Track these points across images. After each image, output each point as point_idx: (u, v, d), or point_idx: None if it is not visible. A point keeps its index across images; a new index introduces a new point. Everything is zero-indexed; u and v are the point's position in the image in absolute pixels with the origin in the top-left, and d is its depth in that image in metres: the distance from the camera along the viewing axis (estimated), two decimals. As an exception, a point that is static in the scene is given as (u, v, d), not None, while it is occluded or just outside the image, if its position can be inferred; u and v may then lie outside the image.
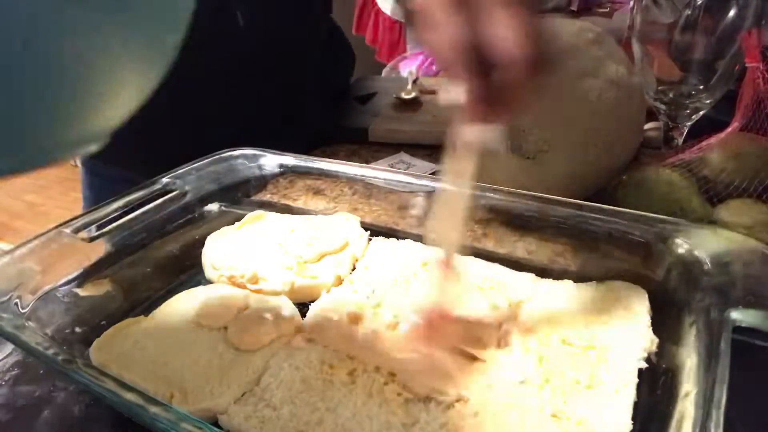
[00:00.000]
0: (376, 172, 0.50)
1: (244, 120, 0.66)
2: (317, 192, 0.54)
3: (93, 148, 0.24)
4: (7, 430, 0.34)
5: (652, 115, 0.64)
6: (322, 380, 0.33)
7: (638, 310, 0.36)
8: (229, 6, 0.60)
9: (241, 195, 0.54)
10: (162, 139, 0.65)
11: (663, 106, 0.54)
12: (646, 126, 0.64)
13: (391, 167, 0.68)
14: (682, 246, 0.37)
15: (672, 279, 0.37)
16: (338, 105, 0.84)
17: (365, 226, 0.49)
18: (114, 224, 0.44)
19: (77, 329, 0.39)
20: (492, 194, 0.45)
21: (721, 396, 0.26)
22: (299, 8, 0.67)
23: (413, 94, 0.82)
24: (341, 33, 0.86)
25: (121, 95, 0.22)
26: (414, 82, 0.85)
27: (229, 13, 0.60)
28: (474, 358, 0.33)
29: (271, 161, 0.54)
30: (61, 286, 0.39)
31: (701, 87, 0.51)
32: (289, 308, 0.40)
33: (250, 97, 0.67)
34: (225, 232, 0.49)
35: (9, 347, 0.39)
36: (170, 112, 0.64)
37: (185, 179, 0.50)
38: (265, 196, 0.55)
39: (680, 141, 0.54)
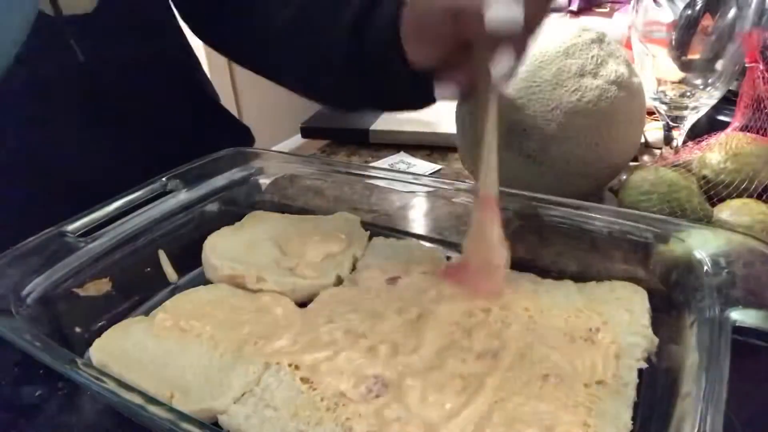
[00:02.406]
0: (376, 172, 0.50)
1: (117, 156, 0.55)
2: (317, 192, 0.54)
3: None
4: (7, 430, 0.34)
5: (652, 115, 0.64)
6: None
7: (638, 310, 0.36)
8: (64, 38, 0.52)
9: (241, 195, 0.54)
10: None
11: (663, 106, 0.54)
12: (646, 126, 0.64)
13: (391, 167, 0.68)
14: (682, 246, 0.37)
15: (672, 279, 0.37)
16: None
17: (365, 226, 0.49)
18: (114, 224, 0.44)
19: (77, 329, 0.39)
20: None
21: (721, 396, 0.26)
22: (145, 34, 0.59)
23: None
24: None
25: None
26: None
27: (65, 45, 0.52)
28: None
29: (271, 161, 0.54)
30: (61, 286, 0.39)
31: (701, 87, 0.51)
32: (289, 308, 0.40)
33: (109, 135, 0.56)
34: (225, 232, 0.49)
35: (9, 347, 0.39)
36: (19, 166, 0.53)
37: (185, 179, 0.50)
38: (265, 196, 0.55)
39: (680, 141, 0.54)
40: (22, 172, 0.54)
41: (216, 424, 0.31)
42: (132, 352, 0.36)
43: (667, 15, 0.50)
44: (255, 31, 0.52)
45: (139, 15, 0.57)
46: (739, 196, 0.45)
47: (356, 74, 0.46)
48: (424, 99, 0.43)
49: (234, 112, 0.76)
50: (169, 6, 0.61)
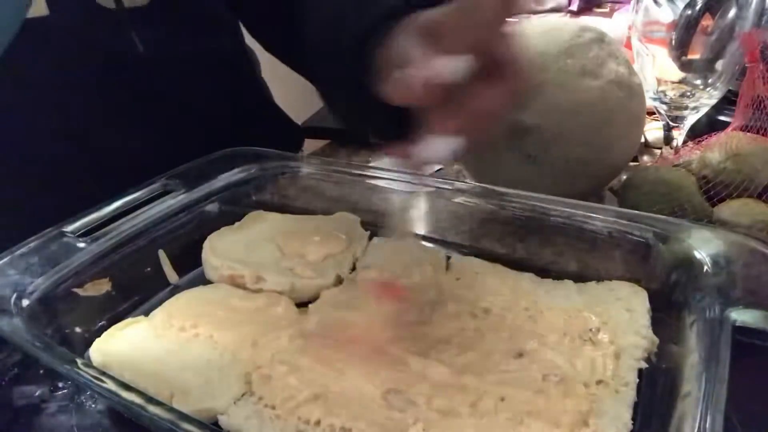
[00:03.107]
0: (376, 172, 0.50)
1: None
2: (317, 192, 0.54)
3: None
4: (7, 430, 0.34)
5: (652, 115, 0.64)
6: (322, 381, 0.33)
7: (638, 310, 0.36)
8: (123, 31, 0.53)
9: (241, 195, 0.54)
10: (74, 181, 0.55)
11: (663, 106, 0.54)
12: (646, 126, 0.64)
13: (391, 167, 0.68)
14: (682, 246, 0.37)
15: (672, 279, 0.37)
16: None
17: (365, 226, 0.49)
18: (114, 224, 0.44)
19: (77, 329, 0.39)
20: (492, 194, 0.45)
21: (721, 396, 0.26)
22: (204, 28, 0.59)
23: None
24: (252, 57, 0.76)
25: None
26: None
27: (126, 38, 0.53)
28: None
29: (271, 161, 0.54)
30: (61, 286, 0.39)
31: (701, 87, 0.51)
32: (289, 308, 0.40)
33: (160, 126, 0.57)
34: (225, 232, 0.49)
35: (9, 347, 0.39)
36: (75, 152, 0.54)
37: (185, 179, 0.50)
38: (265, 196, 0.55)
39: (680, 141, 0.54)
40: (70, 157, 0.55)
41: (216, 424, 0.31)
42: (132, 352, 0.36)
43: (667, 15, 0.50)
44: (293, 38, 0.53)
45: (196, 10, 0.58)
46: (739, 196, 0.45)
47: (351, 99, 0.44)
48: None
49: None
50: (228, 3, 0.62)
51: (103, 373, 0.31)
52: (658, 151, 0.63)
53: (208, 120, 0.60)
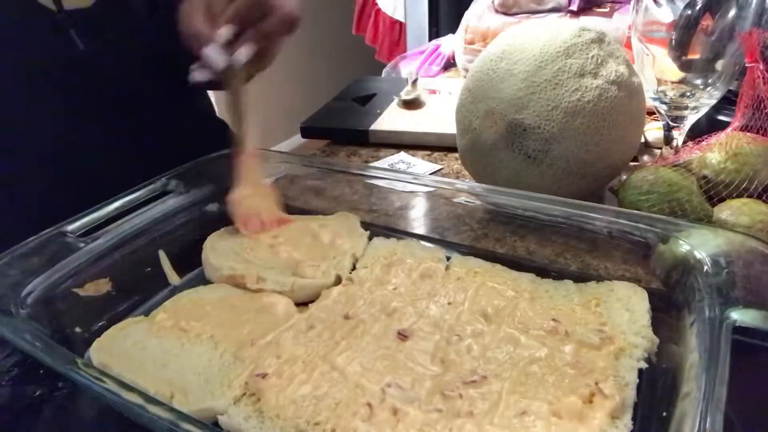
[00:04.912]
0: (376, 172, 0.50)
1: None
2: (317, 192, 0.54)
3: None
4: (7, 430, 0.34)
5: (652, 115, 0.64)
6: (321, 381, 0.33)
7: (638, 310, 0.36)
8: (64, 32, 0.52)
9: (242, 195, 0.54)
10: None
11: (663, 106, 0.54)
12: (646, 126, 0.64)
13: (391, 167, 0.68)
14: (682, 246, 0.37)
15: (672, 279, 0.37)
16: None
17: (365, 226, 0.49)
18: (114, 224, 0.44)
19: (77, 329, 0.39)
20: (492, 194, 0.45)
21: (721, 396, 0.26)
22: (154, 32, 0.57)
23: (413, 95, 0.82)
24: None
25: None
26: (414, 82, 0.85)
27: (66, 38, 0.52)
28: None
29: (271, 161, 0.54)
30: (61, 286, 0.39)
31: (701, 87, 0.51)
32: (289, 308, 0.40)
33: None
34: (225, 232, 0.49)
35: (9, 347, 0.39)
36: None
37: (185, 179, 0.50)
38: (265, 196, 0.55)
39: (680, 141, 0.54)
40: (15, 165, 0.54)
41: (216, 424, 0.31)
42: (132, 352, 0.36)
43: (667, 15, 0.50)
44: None
45: (134, 14, 0.57)
46: (739, 196, 0.45)
47: None
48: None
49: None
50: (156, 8, 0.61)
51: (103, 373, 0.31)
52: (658, 151, 0.63)
53: (150, 124, 0.59)
